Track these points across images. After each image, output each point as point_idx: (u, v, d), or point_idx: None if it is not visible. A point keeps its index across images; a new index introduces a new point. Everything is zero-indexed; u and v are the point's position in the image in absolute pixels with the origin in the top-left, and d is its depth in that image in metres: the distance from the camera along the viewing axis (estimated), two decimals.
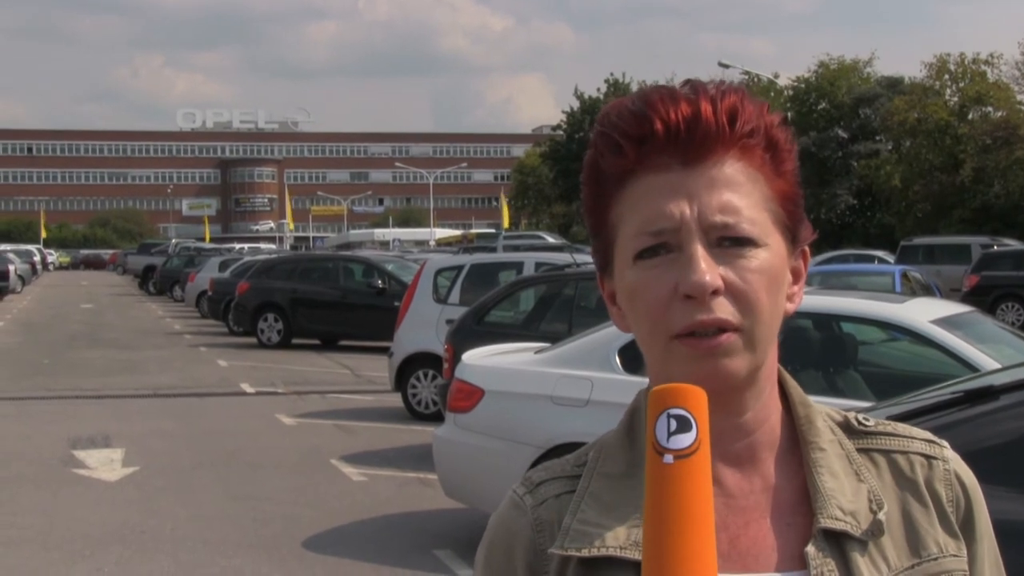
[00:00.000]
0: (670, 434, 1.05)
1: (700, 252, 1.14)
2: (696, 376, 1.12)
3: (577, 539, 1.18)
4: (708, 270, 1.13)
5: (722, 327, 1.14)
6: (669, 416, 1.06)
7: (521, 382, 7.46)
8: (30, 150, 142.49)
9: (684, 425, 1.05)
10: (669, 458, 1.05)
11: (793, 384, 1.27)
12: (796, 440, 1.25)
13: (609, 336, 7.23)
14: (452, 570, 7.34)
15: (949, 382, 5.09)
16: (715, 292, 1.14)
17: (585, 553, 1.17)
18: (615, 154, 1.19)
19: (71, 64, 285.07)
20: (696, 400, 1.06)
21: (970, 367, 6.28)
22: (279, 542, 8.04)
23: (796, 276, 1.24)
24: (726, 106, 1.17)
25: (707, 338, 1.14)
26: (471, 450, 7.56)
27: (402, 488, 9.80)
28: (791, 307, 1.23)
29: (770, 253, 1.17)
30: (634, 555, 1.14)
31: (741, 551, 1.19)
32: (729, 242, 1.15)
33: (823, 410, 1.28)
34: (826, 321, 7.18)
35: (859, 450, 1.25)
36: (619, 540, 1.16)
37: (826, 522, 1.18)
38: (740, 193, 1.17)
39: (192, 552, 7.83)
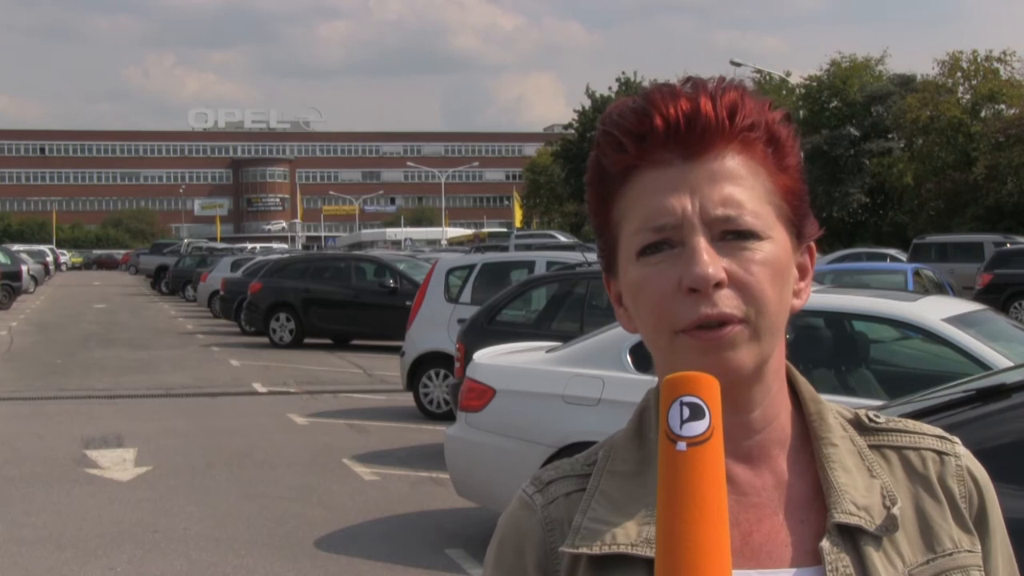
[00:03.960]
0: (683, 421, 1.05)
1: (703, 245, 1.14)
2: (703, 370, 1.12)
3: (588, 537, 1.18)
4: (711, 262, 1.13)
5: (727, 321, 1.14)
6: (682, 404, 1.06)
7: (532, 381, 7.46)
8: (42, 150, 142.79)
9: (697, 412, 1.05)
10: (682, 445, 1.05)
11: (803, 381, 1.27)
12: (807, 437, 1.24)
13: (620, 335, 7.22)
14: (464, 569, 7.34)
15: (961, 380, 5.08)
16: (719, 285, 1.14)
17: (596, 551, 1.17)
18: (616, 151, 1.19)
19: (83, 64, 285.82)
20: (709, 388, 1.06)
21: (982, 365, 6.26)
22: (291, 541, 8.05)
23: (803, 272, 1.24)
24: (726, 101, 1.17)
25: (712, 330, 1.14)
26: (483, 449, 7.56)
27: (414, 487, 9.80)
28: (798, 303, 1.23)
29: (774, 246, 1.17)
30: (645, 552, 1.14)
31: (754, 547, 1.19)
32: (732, 235, 1.15)
33: (833, 407, 1.27)
34: (838, 319, 7.17)
35: (871, 447, 1.25)
36: (630, 537, 1.16)
37: (840, 517, 1.18)
38: (742, 186, 1.17)
39: (204, 551, 7.85)
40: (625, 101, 1.21)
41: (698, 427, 1.05)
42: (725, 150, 1.17)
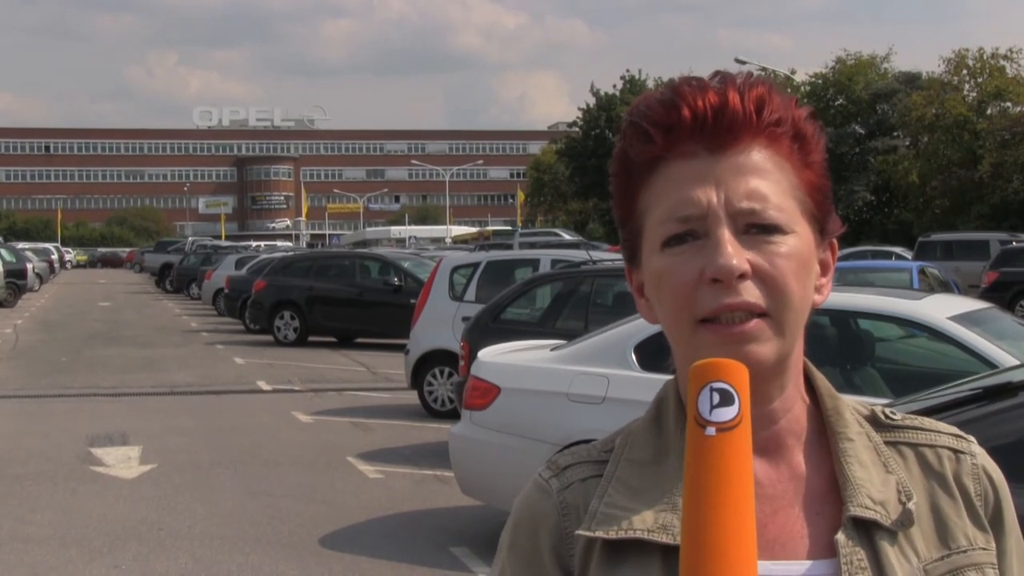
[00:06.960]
0: (712, 407, 1.06)
1: (727, 236, 1.15)
2: None
3: (604, 522, 1.18)
4: (735, 254, 1.14)
5: (749, 310, 1.14)
6: (712, 389, 1.06)
7: (537, 379, 7.46)
8: (47, 148, 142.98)
9: (727, 398, 1.06)
10: (712, 431, 1.06)
11: (819, 376, 1.28)
12: (823, 431, 1.25)
13: (625, 333, 7.22)
14: (469, 567, 7.34)
15: (967, 379, 5.07)
16: (742, 276, 1.14)
17: (612, 535, 1.17)
18: (643, 142, 1.19)
19: (86, 63, 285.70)
20: (738, 374, 1.07)
21: (988, 364, 6.25)
22: (296, 539, 8.05)
23: (824, 268, 1.25)
24: (754, 96, 1.18)
25: (734, 324, 1.15)
26: (487, 447, 7.56)
27: (418, 485, 9.80)
28: (819, 299, 1.24)
29: (798, 240, 1.18)
30: (661, 538, 1.15)
31: (769, 539, 1.19)
32: (756, 229, 1.16)
33: (850, 403, 1.28)
34: (843, 318, 7.15)
35: (887, 443, 1.25)
36: (646, 523, 1.17)
37: (856, 511, 1.18)
38: (767, 180, 1.17)
39: (209, 549, 7.85)
40: (653, 93, 1.21)
41: (728, 413, 1.06)
42: (752, 144, 1.18)
